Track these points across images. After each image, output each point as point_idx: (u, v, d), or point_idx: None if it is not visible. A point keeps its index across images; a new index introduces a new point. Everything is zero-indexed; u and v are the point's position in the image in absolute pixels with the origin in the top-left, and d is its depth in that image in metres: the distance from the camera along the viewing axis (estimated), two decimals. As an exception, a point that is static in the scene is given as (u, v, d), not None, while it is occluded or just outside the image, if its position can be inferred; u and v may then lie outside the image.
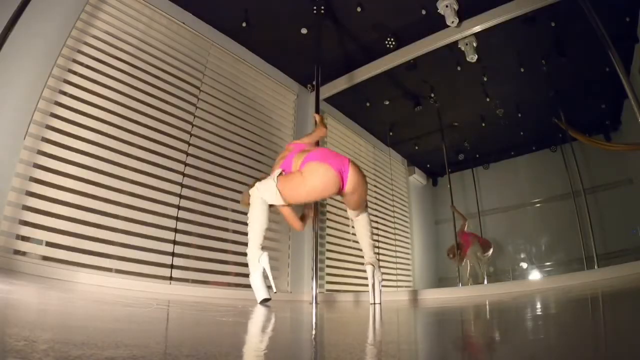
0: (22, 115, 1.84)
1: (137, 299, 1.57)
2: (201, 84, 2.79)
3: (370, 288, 1.99)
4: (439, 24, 2.93)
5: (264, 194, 1.86)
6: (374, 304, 1.95)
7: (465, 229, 4.26)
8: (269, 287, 1.80)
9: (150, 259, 2.21)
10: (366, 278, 2.03)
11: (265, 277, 1.80)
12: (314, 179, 1.79)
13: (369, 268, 2.02)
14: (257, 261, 1.79)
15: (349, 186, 1.85)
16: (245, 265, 2.71)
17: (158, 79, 2.50)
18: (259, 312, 1.39)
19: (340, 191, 1.88)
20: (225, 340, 0.69)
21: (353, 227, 2.17)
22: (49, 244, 1.85)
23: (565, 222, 3.91)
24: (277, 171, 1.90)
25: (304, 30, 3.02)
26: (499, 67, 3.52)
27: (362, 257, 2.13)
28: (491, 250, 4.17)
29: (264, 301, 1.77)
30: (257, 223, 1.86)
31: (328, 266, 3.34)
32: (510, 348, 0.63)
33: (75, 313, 0.93)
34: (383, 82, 3.68)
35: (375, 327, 1.09)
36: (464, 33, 2.98)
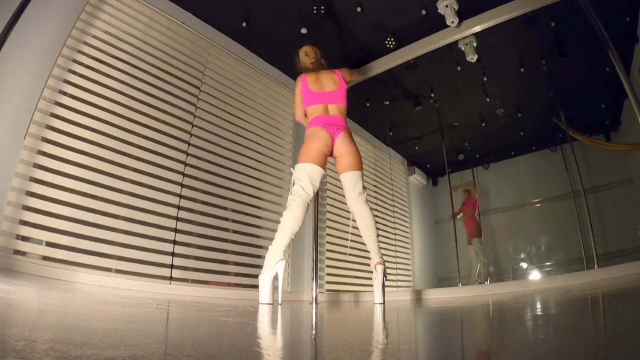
0: (22, 115, 1.84)
1: (137, 298, 1.57)
2: (201, 84, 2.79)
3: (376, 288, 1.96)
4: (439, 24, 2.93)
5: (299, 183, 1.97)
6: (380, 303, 1.94)
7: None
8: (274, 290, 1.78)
9: (150, 259, 2.21)
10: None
11: (276, 286, 1.79)
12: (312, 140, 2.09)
13: (379, 268, 1.96)
14: (274, 264, 1.78)
15: (335, 148, 2.12)
16: (245, 265, 2.74)
17: (158, 79, 2.50)
18: (259, 313, 1.39)
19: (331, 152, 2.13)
20: (225, 340, 0.69)
21: (354, 220, 2.11)
22: (49, 244, 1.85)
23: (565, 222, 3.91)
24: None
25: (304, 30, 3.02)
26: (499, 67, 3.52)
27: (363, 256, 2.10)
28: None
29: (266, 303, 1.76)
30: (288, 225, 1.86)
31: (328, 266, 3.34)
32: (510, 348, 0.63)
33: (75, 313, 0.93)
34: (383, 82, 3.68)
35: (376, 327, 1.09)
36: (464, 33, 2.98)
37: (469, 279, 4.13)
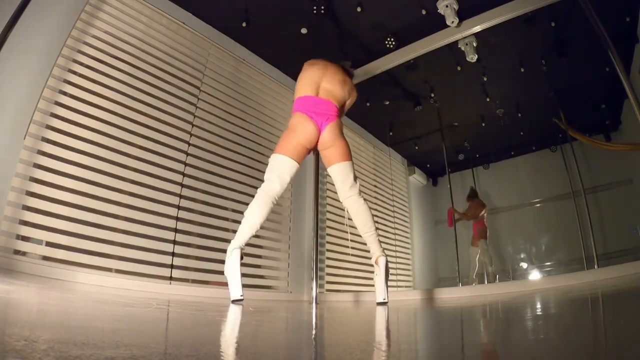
0: (22, 115, 1.84)
1: (136, 298, 1.57)
2: (201, 84, 2.79)
3: (378, 284, 1.82)
4: (439, 24, 2.93)
5: (273, 177, 1.84)
6: (383, 302, 1.81)
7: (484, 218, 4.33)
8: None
9: (150, 259, 2.21)
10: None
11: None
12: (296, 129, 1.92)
13: (381, 261, 1.82)
14: (231, 254, 1.68)
15: (321, 141, 1.95)
16: (247, 265, 2.73)
17: (158, 79, 2.50)
18: (259, 312, 1.39)
19: (316, 144, 1.97)
20: (225, 341, 0.69)
21: (350, 219, 1.98)
22: (49, 244, 1.85)
23: (565, 222, 3.91)
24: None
25: (304, 30, 3.02)
26: (499, 67, 3.52)
27: (364, 256, 2.03)
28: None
29: (236, 301, 1.61)
30: (256, 219, 1.78)
31: (328, 266, 3.34)
32: (511, 349, 0.63)
33: (75, 313, 0.93)
34: (383, 82, 3.68)
35: (376, 327, 1.09)
36: (464, 33, 2.98)
37: (469, 279, 4.13)
